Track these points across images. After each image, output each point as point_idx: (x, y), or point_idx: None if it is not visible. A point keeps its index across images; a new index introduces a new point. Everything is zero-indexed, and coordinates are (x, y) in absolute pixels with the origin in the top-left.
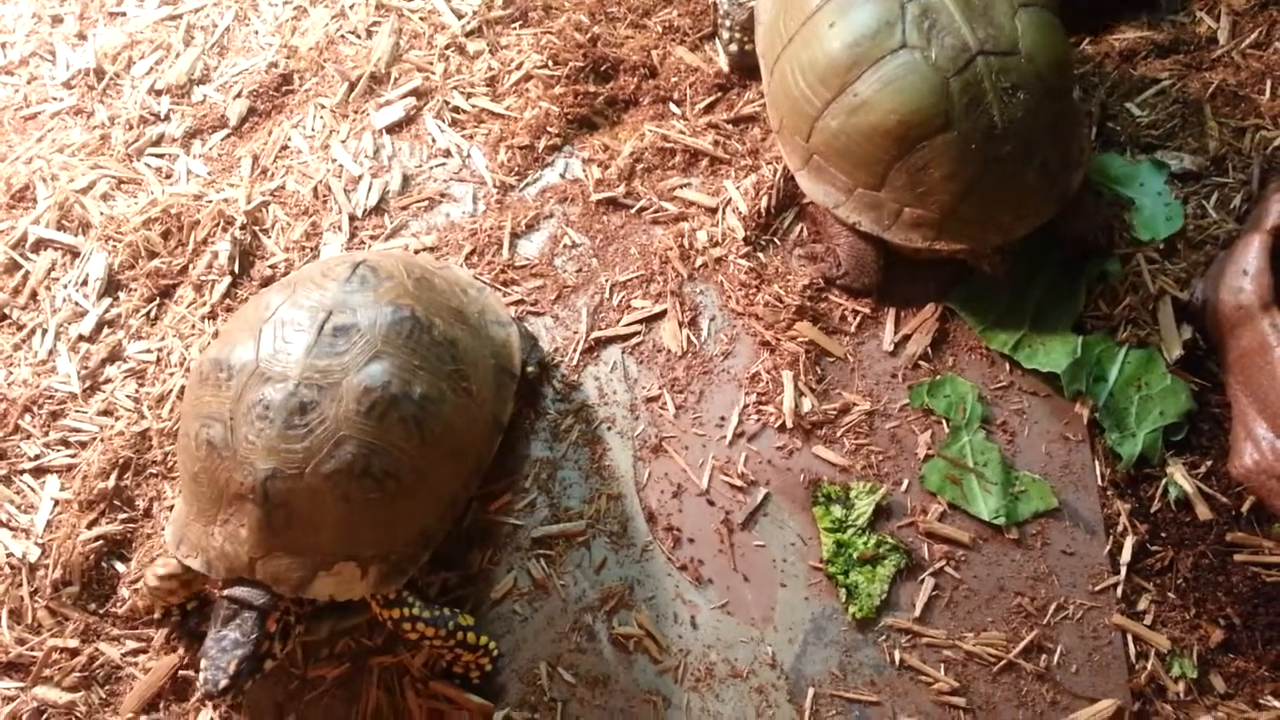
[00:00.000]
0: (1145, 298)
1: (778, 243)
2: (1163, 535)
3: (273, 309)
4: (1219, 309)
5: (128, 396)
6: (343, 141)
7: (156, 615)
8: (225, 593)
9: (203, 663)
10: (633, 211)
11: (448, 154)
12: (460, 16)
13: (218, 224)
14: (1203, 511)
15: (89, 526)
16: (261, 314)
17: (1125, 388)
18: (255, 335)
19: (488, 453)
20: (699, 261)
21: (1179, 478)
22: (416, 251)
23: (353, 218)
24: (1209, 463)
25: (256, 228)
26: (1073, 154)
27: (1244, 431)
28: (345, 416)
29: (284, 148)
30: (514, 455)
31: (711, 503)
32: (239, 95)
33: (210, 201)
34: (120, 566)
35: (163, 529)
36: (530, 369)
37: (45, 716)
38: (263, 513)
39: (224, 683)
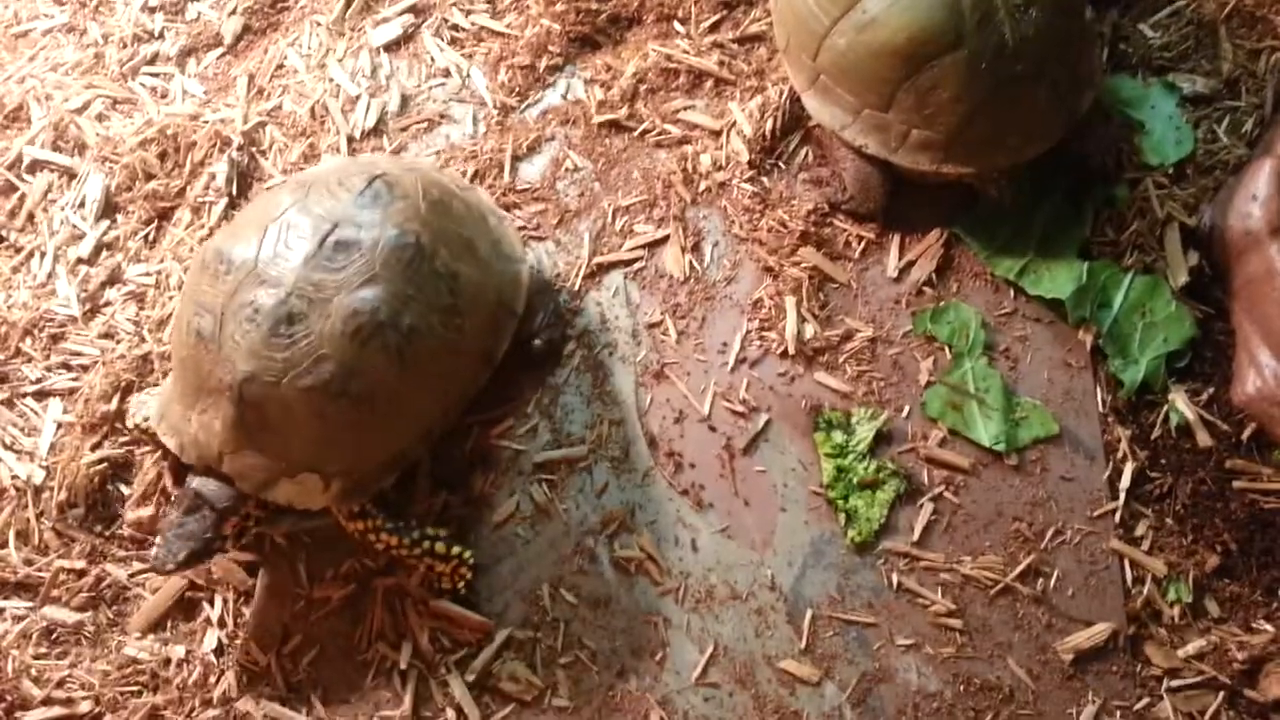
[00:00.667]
0: (1152, 223)
1: (782, 167)
2: (1162, 462)
3: (282, 209)
4: (1227, 235)
5: (128, 319)
6: (339, 60)
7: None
8: (192, 484)
9: (158, 540)
10: (635, 134)
11: (447, 74)
12: None
13: (214, 145)
14: (1203, 438)
15: (92, 449)
16: (270, 212)
17: (1129, 314)
18: (260, 233)
19: (473, 387)
20: (702, 186)
21: (1180, 404)
22: (442, 166)
23: (351, 139)
24: (1211, 390)
25: (254, 149)
26: (1083, 74)
27: (1247, 358)
28: (329, 335)
29: (280, 67)
30: (516, 380)
31: (713, 428)
32: (233, 12)
33: (207, 122)
34: (124, 489)
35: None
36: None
37: (55, 635)
38: (236, 412)
39: (170, 566)
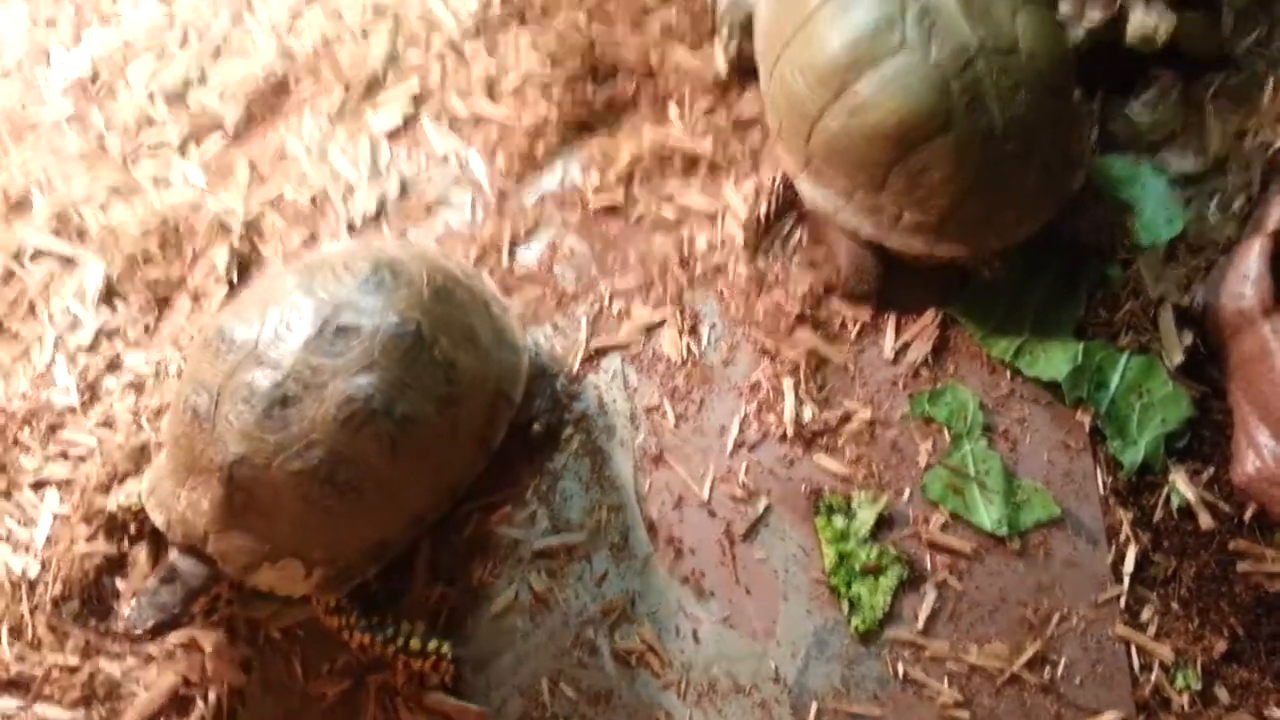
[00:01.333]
0: (1146, 303)
1: (778, 249)
2: (1165, 544)
3: (286, 291)
4: (1220, 314)
5: (127, 408)
6: (340, 148)
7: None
8: (172, 559)
9: (132, 601)
10: (632, 218)
11: (445, 160)
12: (457, 17)
13: (215, 232)
14: (1205, 520)
15: (88, 541)
16: (275, 293)
17: (1126, 395)
18: (263, 314)
19: (468, 476)
20: (699, 269)
21: (1181, 486)
22: (448, 253)
23: (351, 226)
24: (1211, 470)
25: (254, 236)
26: (1074, 154)
27: (1246, 439)
28: (322, 420)
29: (281, 154)
30: (514, 466)
31: (713, 514)
32: (235, 100)
33: (208, 210)
34: (120, 583)
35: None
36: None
37: None
38: (225, 493)
39: (137, 632)
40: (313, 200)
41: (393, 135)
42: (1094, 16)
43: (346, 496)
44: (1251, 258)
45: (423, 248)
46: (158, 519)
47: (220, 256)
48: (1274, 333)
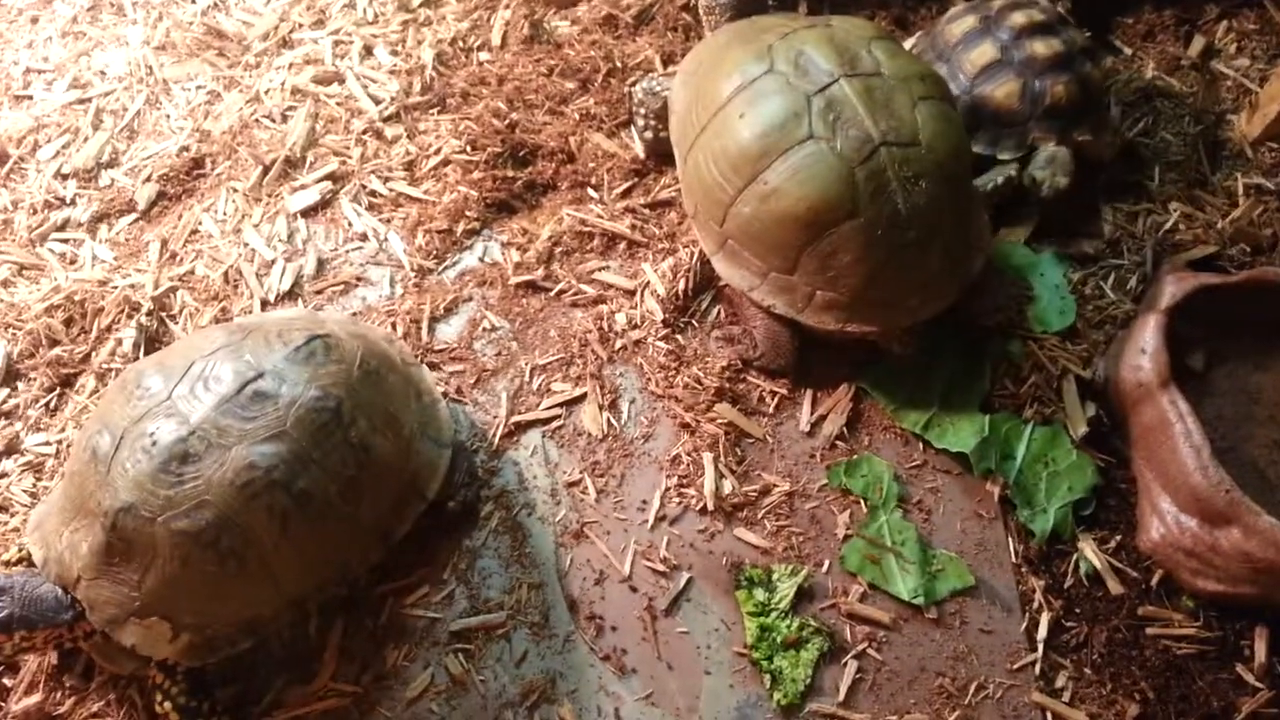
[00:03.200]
0: (1049, 376)
1: (696, 325)
2: (1077, 611)
3: (214, 347)
4: (1120, 386)
5: (24, 490)
6: (255, 225)
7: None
8: (21, 578)
9: None
10: (552, 294)
11: (364, 238)
12: (378, 102)
13: (123, 310)
14: (1114, 586)
15: None
16: (203, 347)
17: (1033, 464)
18: (185, 367)
19: (360, 565)
20: (618, 344)
21: (1089, 553)
22: (393, 339)
23: (265, 303)
24: (1118, 537)
25: (164, 314)
26: (973, 239)
27: (1149, 506)
28: (219, 483)
29: (194, 232)
30: (431, 545)
31: (634, 589)
32: (148, 179)
33: (116, 287)
34: (6, 682)
35: None
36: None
37: None
38: (104, 540)
39: None
40: (225, 277)
41: (310, 214)
42: (997, 180)
43: (227, 564)
44: (1148, 332)
45: (368, 329)
46: (36, 553)
47: (128, 334)
48: (1172, 404)
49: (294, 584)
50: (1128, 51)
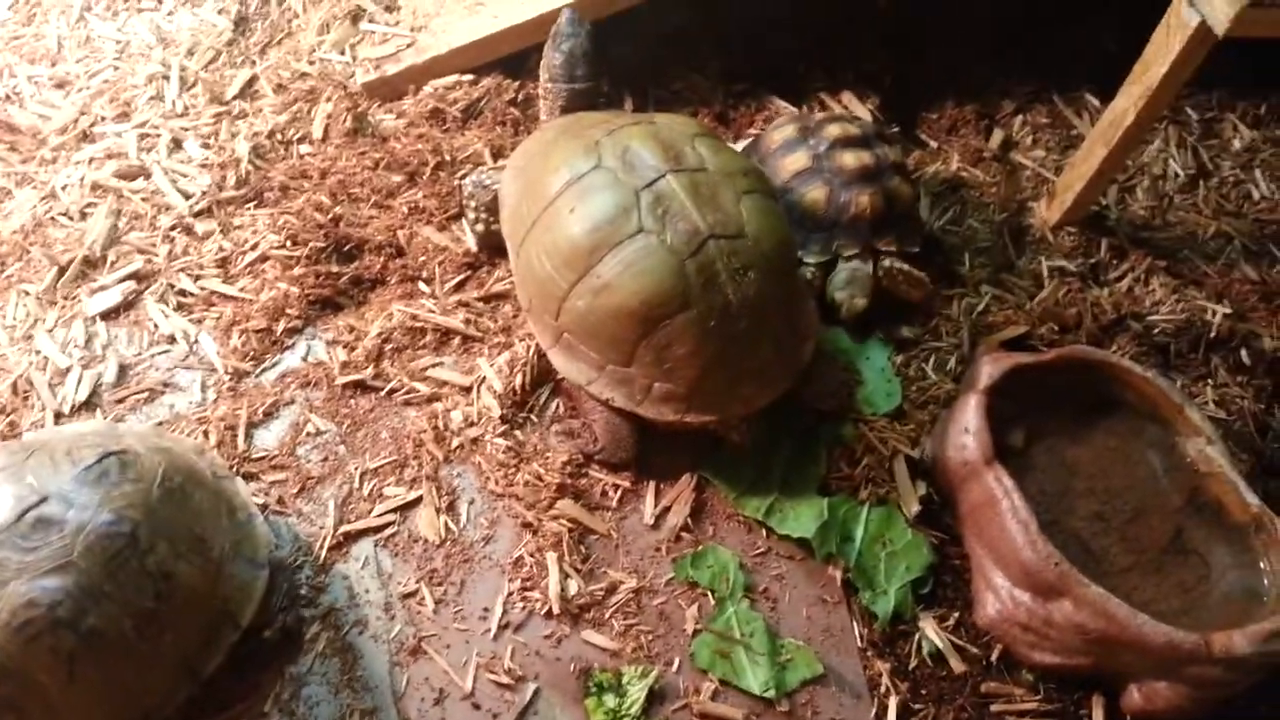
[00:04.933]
0: (881, 457)
1: (535, 420)
2: (923, 692)
3: None
4: (947, 465)
5: None
6: (49, 330)
7: None
8: None
9: None
10: (383, 394)
11: (172, 340)
12: (188, 196)
13: None
14: (956, 664)
15: None
16: None
17: (871, 546)
18: None
19: (166, 705)
20: (455, 443)
21: (931, 632)
22: (204, 449)
23: (59, 415)
24: (956, 614)
25: None
26: (801, 327)
27: (984, 582)
28: None
29: None
30: (249, 675)
31: (477, 706)
32: None
33: None
34: None
35: None
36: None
37: None
38: None
39: None
40: (14, 388)
41: (111, 316)
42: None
43: (4, 717)
44: (969, 412)
45: (173, 442)
46: None
47: None
48: (997, 481)
49: None
50: (934, 145)
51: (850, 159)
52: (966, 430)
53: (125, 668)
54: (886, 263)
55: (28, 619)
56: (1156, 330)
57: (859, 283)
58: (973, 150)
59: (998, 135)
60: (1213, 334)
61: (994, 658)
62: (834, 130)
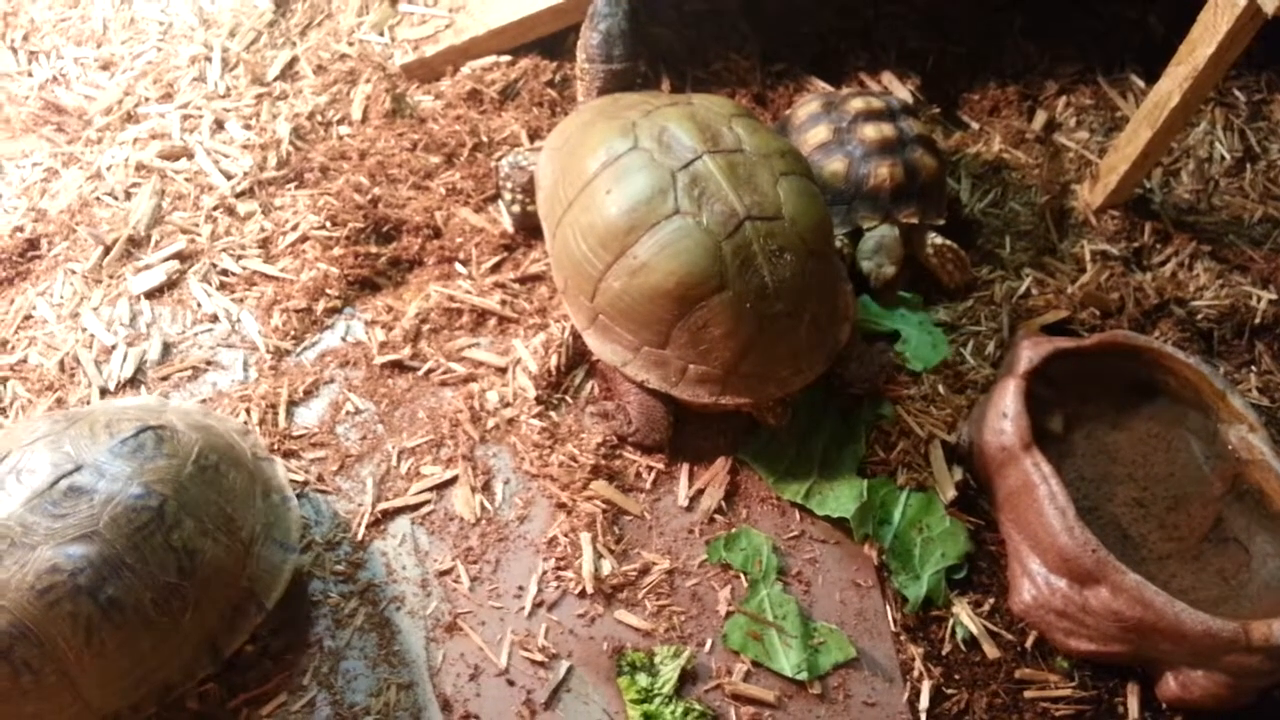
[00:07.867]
0: (916, 442)
1: (569, 401)
2: (956, 677)
3: (34, 438)
4: (984, 451)
5: None
6: (95, 309)
7: None
8: None
9: None
10: (419, 374)
11: (215, 319)
12: (230, 177)
13: None
14: (990, 650)
15: None
16: (21, 438)
17: (908, 530)
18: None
19: (181, 681)
20: (490, 423)
21: (965, 618)
22: (248, 431)
23: (105, 391)
24: (991, 600)
25: None
26: (839, 309)
27: (1020, 568)
28: (15, 585)
29: (27, 318)
30: (289, 648)
31: (511, 682)
32: None
33: None
34: None
35: None
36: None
37: None
38: None
39: None
40: (61, 365)
41: (155, 295)
42: None
43: (20, 678)
44: (1008, 397)
45: (216, 421)
46: None
47: None
48: (1035, 466)
49: (103, 702)
50: (975, 126)
51: (871, 131)
52: (1005, 415)
53: (143, 639)
54: (937, 240)
55: (51, 584)
56: (1200, 316)
57: (887, 250)
58: (1015, 132)
59: (1040, 116)
60: (1257, 320)
61: (1028, 644)
62: (858, 104)
